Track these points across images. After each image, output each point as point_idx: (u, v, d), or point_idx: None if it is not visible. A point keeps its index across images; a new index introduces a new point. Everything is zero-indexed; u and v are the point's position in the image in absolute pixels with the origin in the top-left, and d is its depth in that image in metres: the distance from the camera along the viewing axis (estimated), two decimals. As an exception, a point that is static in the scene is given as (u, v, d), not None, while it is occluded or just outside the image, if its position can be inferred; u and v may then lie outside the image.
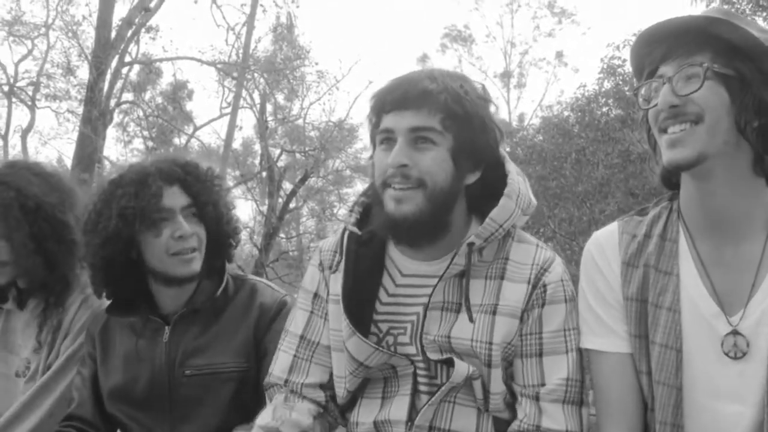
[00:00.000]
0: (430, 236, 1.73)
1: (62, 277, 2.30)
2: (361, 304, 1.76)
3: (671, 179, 1.67)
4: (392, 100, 1.69)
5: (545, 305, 1.70)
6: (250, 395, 2.04)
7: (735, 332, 1.54)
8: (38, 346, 2.31)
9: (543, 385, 1.67)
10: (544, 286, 1.70)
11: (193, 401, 2.05)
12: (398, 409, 1.73)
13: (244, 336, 2.09)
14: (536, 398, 1.67)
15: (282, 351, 1.90)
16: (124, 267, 2.08)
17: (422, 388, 1.73)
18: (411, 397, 1.73)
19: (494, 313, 1.69)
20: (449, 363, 1.67)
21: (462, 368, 1.67)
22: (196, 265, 2.09)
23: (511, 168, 1.76)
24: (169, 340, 2.10)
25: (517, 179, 1.74)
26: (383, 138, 1.71)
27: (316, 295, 1.89)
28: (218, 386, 2.05)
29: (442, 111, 1.65)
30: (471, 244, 1.67)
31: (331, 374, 1.84)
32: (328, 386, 1.85)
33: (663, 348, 1.59)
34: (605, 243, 1.73)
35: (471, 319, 1.68)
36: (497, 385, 1.69)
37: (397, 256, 1.81)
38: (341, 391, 1.80)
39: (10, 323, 2.42)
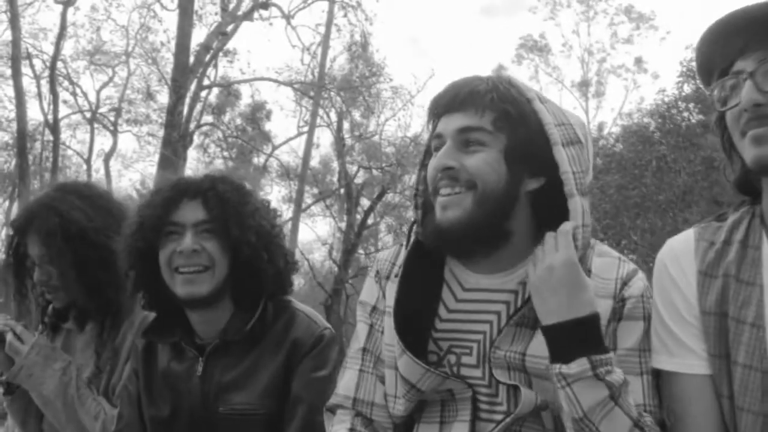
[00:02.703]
0: (484, 246, 1.59)
1: (110, 302, 2.28)
2: (415, 319, 1.63)
3: (748, 184, 1.48)
4: (443, 103, 1.60)
5: (621, 320, 1.52)
6: None
7: None
8: (98, 372, 2.30)
9: None
10: (623, 300, 1.53)
11: None
12: None
13: (274, 374, 1.96)
14: None
15: (347, 368, 1.76)
16: (151, 282, 2.03)
17: (483, 415, 1.57)
18: (471, 424, 1.56)
19: None
20: (516, 389, 1.51)
21: (530, 398, 1.49)
22: (201, 288, 1.96)
23: (561, 157, 1.54)
24: (203, 374, 2.00)
25: (567, 166, 1.53)
26: (436, 144, 1.61)
27: (374, 308, 1.77)
28: (250, 427, 1.95)
29: (492, 110, 1.54)
30: None
31: None
32: None
33: (746, 369, 1.40)
34: (680, 251, 1.56)
35: None
36: None
37: (458, 269, 1.68)
38: (393, 411, 1.66)
39: (71, 343, 2.44)
